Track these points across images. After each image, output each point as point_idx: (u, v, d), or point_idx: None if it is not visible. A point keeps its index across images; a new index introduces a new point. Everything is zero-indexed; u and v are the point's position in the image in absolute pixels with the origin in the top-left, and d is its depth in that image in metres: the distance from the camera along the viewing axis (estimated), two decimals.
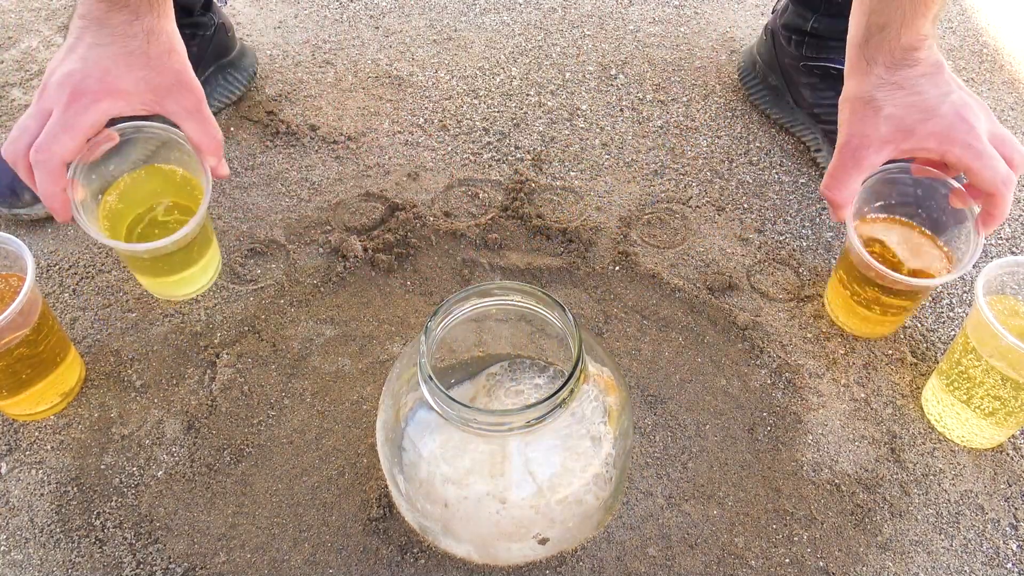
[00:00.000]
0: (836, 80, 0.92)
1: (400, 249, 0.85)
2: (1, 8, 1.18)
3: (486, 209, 0.91)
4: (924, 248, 0.74)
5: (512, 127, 1.01)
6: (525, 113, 1.03)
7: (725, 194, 0.93)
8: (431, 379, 0.51)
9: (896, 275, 0.68)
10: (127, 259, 0.77)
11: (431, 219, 0.88)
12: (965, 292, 0.84)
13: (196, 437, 0.72)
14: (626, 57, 1.11)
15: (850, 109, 0.70)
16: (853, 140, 0.68)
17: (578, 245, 0.86)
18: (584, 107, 1.04)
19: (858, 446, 0.72)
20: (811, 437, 0.72)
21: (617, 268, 0.85)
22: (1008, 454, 0.71)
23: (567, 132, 1.00)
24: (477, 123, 1.01)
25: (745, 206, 0.92)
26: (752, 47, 1.05)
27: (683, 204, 0.92)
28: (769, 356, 0.78)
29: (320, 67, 1.09)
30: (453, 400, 0.50)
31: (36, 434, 0.72)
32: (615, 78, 1.08)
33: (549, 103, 1.04)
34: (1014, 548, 0.66)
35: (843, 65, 0.92)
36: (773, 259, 0.86)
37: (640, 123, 1.02)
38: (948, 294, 0.84)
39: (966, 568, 0.65)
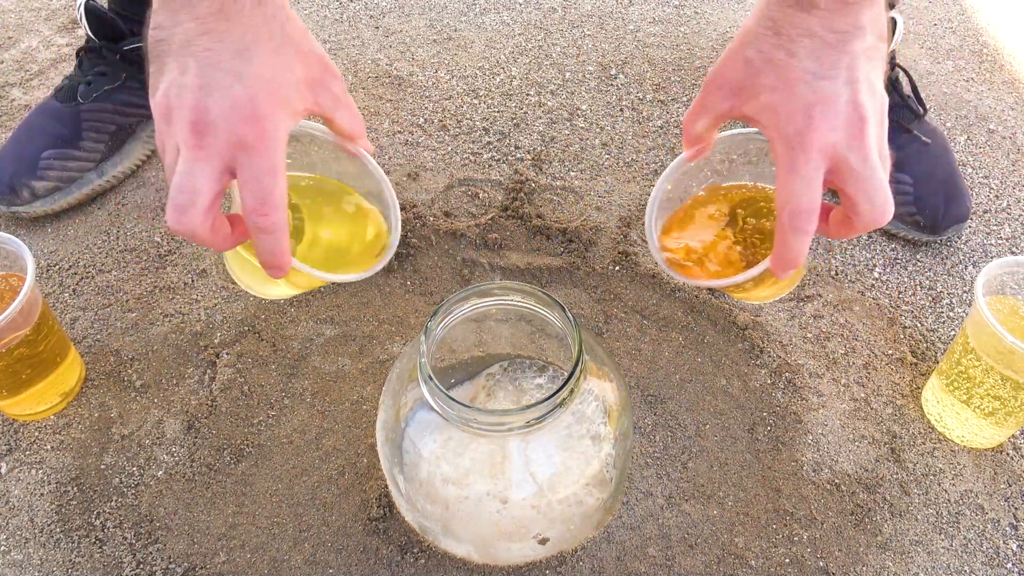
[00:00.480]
0: None
1: (400, 249, 0.85)
2: (1, 8, 1.18)
3: (486, 209, 0.91)
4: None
5: (512, 127, 1.01)
6: (525, 113, 1.03)
7: None
8: (431, 379, 0.51)
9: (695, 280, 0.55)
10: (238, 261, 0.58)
11: (431, 219, 0.88)
12: (965, 292, 0.84)
13: (196, 437, 0.72)
14: (626, 57, 1.11)
15: (742, 36, 0.50)
16: (718, 76, 0.50)
17: (578, 245, 0.86)
18: (584, 107, 1.04)
19: (858, 446, 0.72)
20: (811, 437, 0.72)
21: (617, 268, 0.85)
22: (1008, 454, 0.71)
23: (567, 132, 1.00)
24: (477, 123, 1.01)
25: None
26: None
27: None
28: (769, 356, 0.78)
29: None
30: (453, 400, 0.50)
31: (36, 434, 0.72)
32: (615, 78, 1.08)
33: (549, 103, 1.04)
34: (1014, 548, 0.66)
35: None
36: None
37: (640, 123, 1.02)
38: (948, 294, 0.84)
39: (966, 568, 0.65)
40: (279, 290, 0.59)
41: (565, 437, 0.57)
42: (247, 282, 0.59)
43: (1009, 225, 0.91)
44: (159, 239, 0.88)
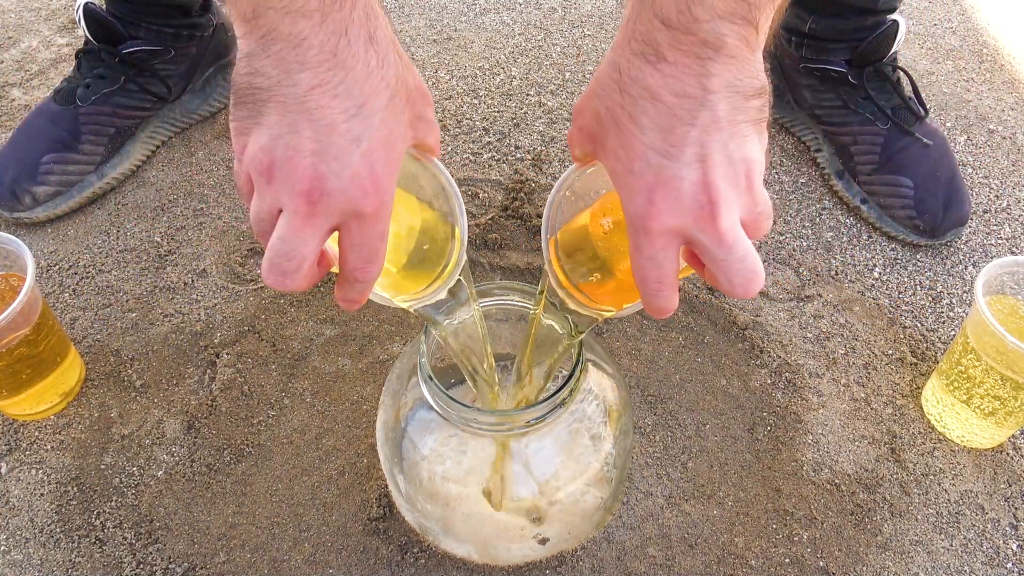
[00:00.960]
0: (836, 82, 0.92)
1: None
2: (1, 8, 1.18)
3: (486, 209, 0.91)
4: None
5: (512, 127, 1.01)
6: (525, 113, 1.03)
7: None
8: (431, 379, 0.51)
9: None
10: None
11: None
12: (965, 292, 0.84)
13: (196, 437, 0.72)
14: None
15: (602, 81, 0.42)
16: (577, 102, 0.44)
17: None
18: None
19: (858, 446, 0.72)
20: (811, 437, 0.72)
21: None
22: (1008, 454, 0.71)
23: (567, 132, 1.00)
24: (477, 123, 1.01)
25: None
26: None
27: None
28: (769, 356, 0.78)
29: None
30: (453, 400, 0.50)
31: (36, 434, 0.72)
32: None
33: (549, 103, 1.04)
34: (1014, 548, 0.66)
35: (843, 67, 0.93)
36: (773, 259, 0.86)
37: None
38: (948, 294, 0.84)
39: (966, 568, 0.65)
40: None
41: (565, 437, 0.57)
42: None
43: (1009, 225, 0.91)
44: (159, 239, 0.88)
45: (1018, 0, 1.24)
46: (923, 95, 0.92)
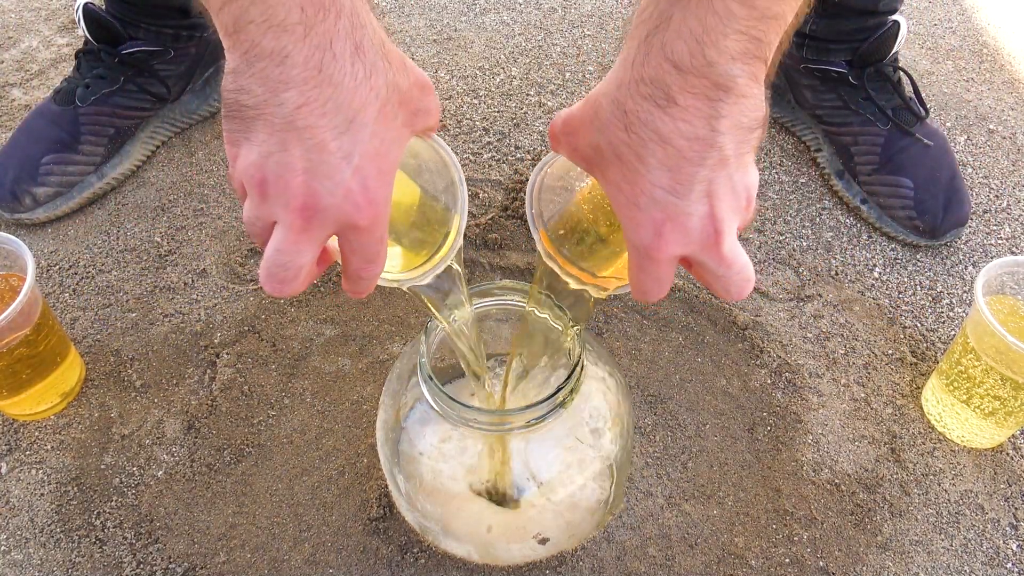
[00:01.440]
0: (837, 82, 0.92)
1: None
2: (1, 8, 1.18)
3: (486, 209, 0.91)
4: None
5: (512, 127, 1.01)
6: (525, 113, 1.03)
7: None
8: (431, 379, 0.51)
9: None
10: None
11: None
12: (965, 292, 0.84)
13: (196, 437, 0.72)
14: None
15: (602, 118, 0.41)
16: (566, 117, 0.43)
17: None
18: None
19: (858, 446, 0.72)
20: (811, 437, 0.72)
21: None
22: (1008, 454, 0.71)
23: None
24: (477, 123, 1.01)
25: None
26: None
27: None
28: (769, 356, 0.78)
29: None
30: (453, 400, 0.50)
31: (36, 434, 0.72)
32: None
33: (549, 103, 1.04)
34: (1014, 548, 0.66)
35: (844, 68, 0.93)
36: (773, 259, 0.86)
37: None
38: (948, 294, 0.84)
39: (966, 568, 0.65)
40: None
41: (565, 437, 0.57)
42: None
43: (1009, 225, 0.91)
44: (159, 239, 0.88)
45: (1018, 0, 1.24)
46: (923, 95, 0.92)
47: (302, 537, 0.66)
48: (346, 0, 0.36)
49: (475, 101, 1.04)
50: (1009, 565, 0.65)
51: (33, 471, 0.70)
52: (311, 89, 0.36)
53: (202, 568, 0.64)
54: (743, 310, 0.81)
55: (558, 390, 0.51)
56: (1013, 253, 0.88)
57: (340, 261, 0.42)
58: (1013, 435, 0.72)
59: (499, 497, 0.58)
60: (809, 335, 0.80)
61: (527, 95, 1.05)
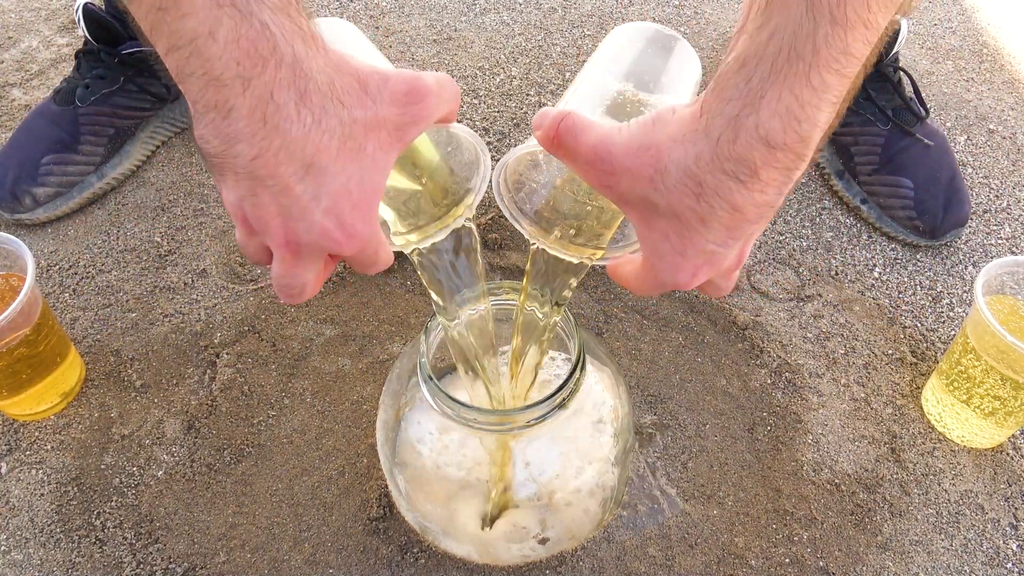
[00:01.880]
0: None
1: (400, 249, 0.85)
2: (1, 8, 1.18)
3: (486, 209, 0.91)
4: None
5: (512, 127, 1.01)
6: (525, 113, 1.03)
7: None
8: (431, 379, 0.51)
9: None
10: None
11: None
12: (965, 292, 0.84)
13: (196, 437, 0.72)
14: None
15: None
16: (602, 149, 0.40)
17: None
18: None
19: (858, 446, 0.72)
20: (811, 437, 0.72)
21: None
22: (1008, 454, 0.71)
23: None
24: (477, 123, 1.01)
25: None
26: None
27: None
28: (769, 356, 0.78)
29: None
30: (453, 400, 0.50)
31: (36, 434, 0.72)
32: None
33: (549, 103, 1.04)
34: (1014, 548, 0.66)
35: None
36: (773, 259, 0.86)
37: None
38: (948, 294, 0.84)
39: (966, 568, 0.65)
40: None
41: (565, 437, 0.57)
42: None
43: (1009, 225, 0.91)
44: (159, 239, 0.88)
45: (1018, 0, 1.24)
46: (923, 95, 0.92)
47: (302, 537, 0.66)
48: (287, 50, 0.35)
49: (475, 101, 1.04)
50: (1009, 565, 0.65)
51: (33, 471, 0.70)
52: (260, 140, 0.36)
53: (202, 568, 0.64)
54: (743, 310, 0.81)
55: (558, 390, 0.51)
56: (1013, 253, 0.88)
57: None
58: (1013, 435, 0.72)
59: (499, 498, 0.58)
60: (809, 335, 0.80)
61: (527, 95, 1.05)
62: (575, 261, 0.49)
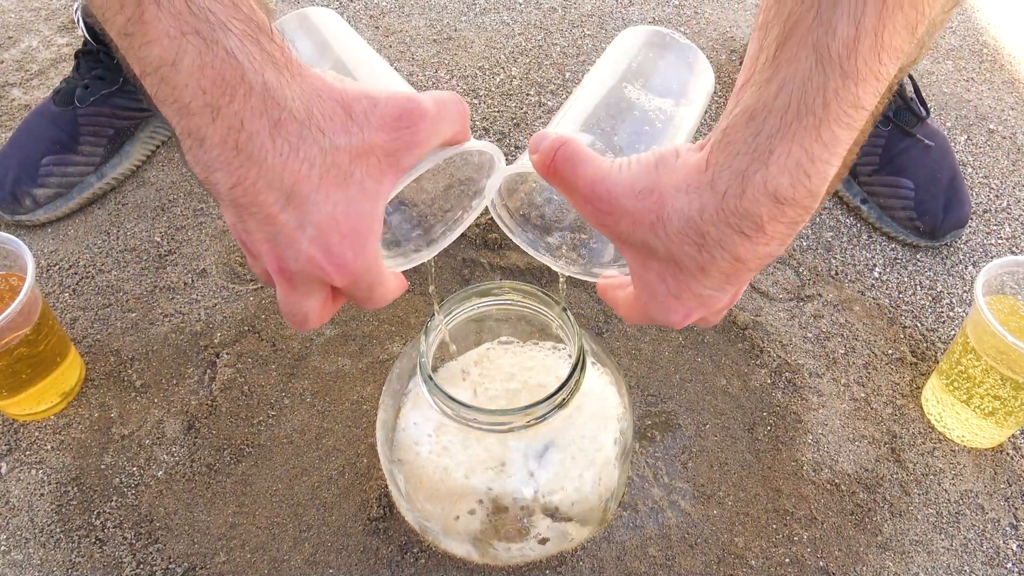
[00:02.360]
0: None
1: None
2: (1, 8, 1.18)
3: (486, 209, 0.91)
4: None
5: (512, 127, 1.01)
6: (525, 113, 1.03)
7: None
8: (431, 379, 0.51)
9: None
10: None
11: None
12: (965, 292, 0.84)
13: (196, 437, 0.72)
14: None
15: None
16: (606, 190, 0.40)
17: None
18: None
19: (858, 446, 0.72)
20: (811, 437, 0.72)
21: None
22: (1008, 454, 0.71)
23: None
24: (477, 123, 1.01)
25: None
26: None
27: None
28: (769, 356, 0.78)
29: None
30: (453, 400, 0.50)
31: (36, 434, 0.72)
32: None
33: (549, 103, 1.04)
34: (1014, 548, 0.66)
35: None
36: None
37: None
38: (948, 294, 0.84)
39: (966, 568, 0.65)
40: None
41: (565, 436, 0.57)
42: None
43: (1009, 225, 0.91)
44: (159, 239, 0.88)
45: (1018, 0, 1.24)
46: (923, 95, 0.92)
47: (302, 537, 0.66)
48: (256, 79, 0.34)
49: (475, 101, 1.04)
50: (1009, 565, 0.65)
51: (33, 471, 0.70)
52: (236, 168, 0.35)
53: (202, 568, 0.64)
54: (743, 310, 0.81)
55: (558, 390, 0.51)
56: (1013, 253, 0.88)
57: None
58: (1013, 435, 0.72)
59: (499, 497, 0.58)
60: (809, 335, 0.80)
61: (527, 95, 1.05)
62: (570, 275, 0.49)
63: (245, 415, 0.73)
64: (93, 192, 0.91)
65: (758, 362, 0.77)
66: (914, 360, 0.78)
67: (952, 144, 0.98)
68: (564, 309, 0.55)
